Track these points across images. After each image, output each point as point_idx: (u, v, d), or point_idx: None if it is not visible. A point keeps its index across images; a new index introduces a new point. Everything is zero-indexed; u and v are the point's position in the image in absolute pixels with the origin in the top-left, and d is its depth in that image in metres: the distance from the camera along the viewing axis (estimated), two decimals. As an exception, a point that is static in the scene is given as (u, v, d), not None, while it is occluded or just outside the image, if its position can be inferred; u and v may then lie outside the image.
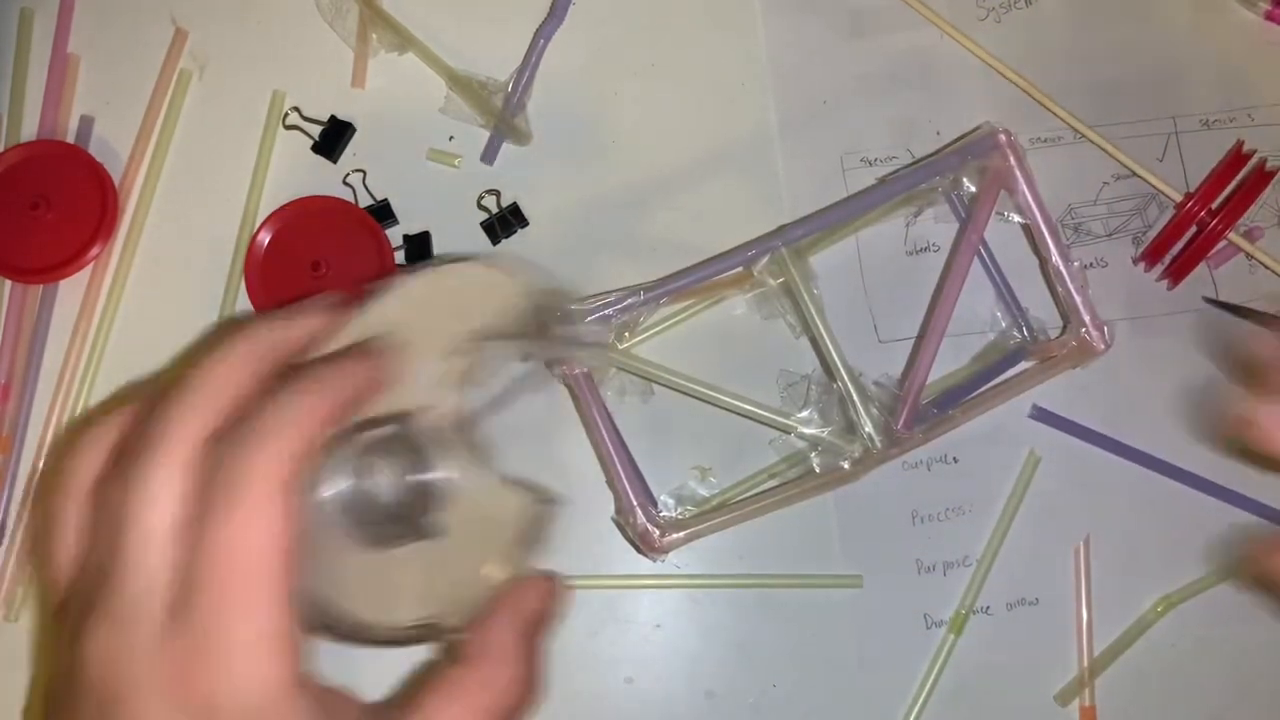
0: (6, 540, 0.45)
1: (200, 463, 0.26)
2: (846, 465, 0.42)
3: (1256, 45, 0.49)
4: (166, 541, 0.26)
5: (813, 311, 0.42)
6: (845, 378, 0.42)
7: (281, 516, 0.26)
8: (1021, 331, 0.46)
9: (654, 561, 0.43)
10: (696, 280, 0.43)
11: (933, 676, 0.44)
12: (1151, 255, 0.46)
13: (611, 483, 0.42)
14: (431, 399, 0.32)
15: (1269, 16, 0.49)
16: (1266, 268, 0.47)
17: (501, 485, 0.33)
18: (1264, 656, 0.45)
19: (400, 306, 0.32)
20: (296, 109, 0.48)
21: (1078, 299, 0.43)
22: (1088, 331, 0.43)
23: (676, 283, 0.43)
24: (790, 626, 0.45)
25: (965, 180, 0.44)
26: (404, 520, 0.32)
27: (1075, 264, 0.43)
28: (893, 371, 0.45)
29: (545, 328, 0.34)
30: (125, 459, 0.27)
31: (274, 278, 0.46)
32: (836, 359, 0.42)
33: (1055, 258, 0.43)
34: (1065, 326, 0.44)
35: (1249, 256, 0.47)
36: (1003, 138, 0.43)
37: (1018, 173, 0.43)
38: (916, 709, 0.44)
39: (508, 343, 0.34)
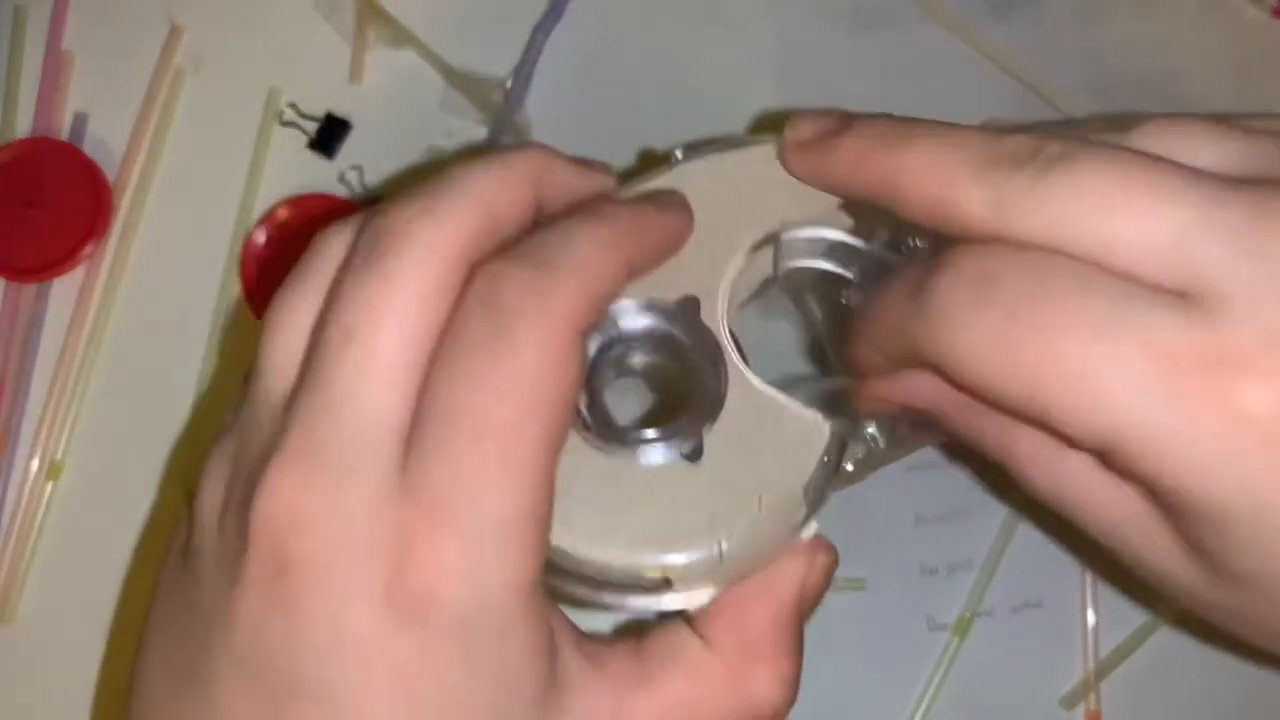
0: (1, 539, 0.45)
1: (457, 284, 0.21)
2: (850, 466, 0.41)
3: (1265, 42, 0.49)
4: (405, 371, 0.20)
5: (816, 312, 0.42)
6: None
7: (572, 367, 0.21)
8: None
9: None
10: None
11: (936, 680, 0.44)
12: (1158, 254, 0.46)
13: None
14: (711, 291, 0.27)
15: (1277, 13, 0.49)
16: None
17: (793, 404, 0.26)
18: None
19: (689, 188, 0.28)
20: (293, 105, 0.48)
21: None
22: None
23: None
24: (792, 629, 0.44)
25: None
26: (651, 431, 0.25)
27: None
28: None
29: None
30: (353, 266, 0.21)
31: (271, 275, 0.46)
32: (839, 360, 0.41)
33: None
34: None
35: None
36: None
37: None
38: (920, 713, 0.44)
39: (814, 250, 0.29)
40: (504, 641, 0.20)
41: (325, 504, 0.20)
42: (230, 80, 0.48)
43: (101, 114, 0.48)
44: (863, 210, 0.28)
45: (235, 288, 0.46)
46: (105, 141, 0.48)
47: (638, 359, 0.27)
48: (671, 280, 0.27)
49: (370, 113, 0.48)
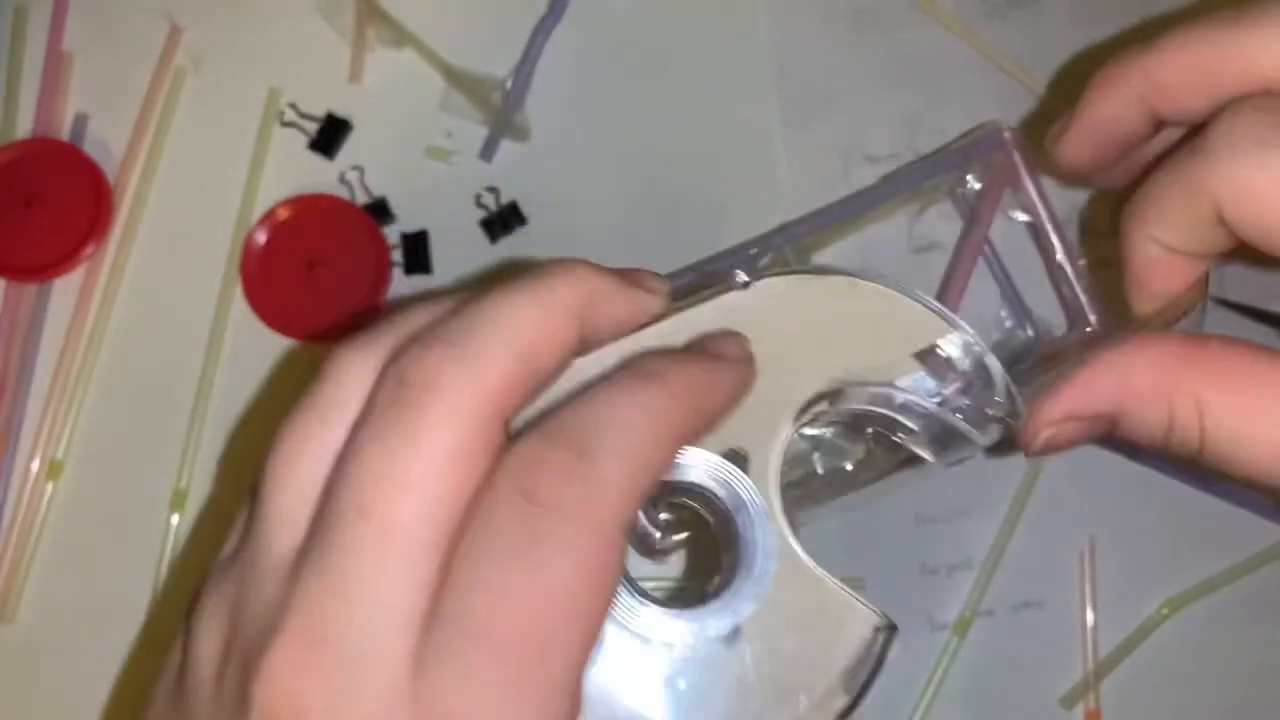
0: (2, 539, 0.45)
1: (491, 444, 0.19)
2: (849, 466, 0.41)
3: (1264, 41, 0.49)
4: (426, 553, 0.19)
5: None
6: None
7: (612, 575, 0.19)
8: (1026, 331, 0.45)
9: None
10: (696, 279, 0.42)
11: (936, 679, 0.44)
12: (1158, 254, 0.46)
13: None
14: (763, 447, 0.24)
15: (1276, 12, 0.49)
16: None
17: (840, 587, 0.24)
18: (1272, 658, 0.45)
19: (761, 316, 0.25)
20: (293, 106, 0.48)
21: (1083, 299, 0.42)
22: (1093, 331, 0.42)
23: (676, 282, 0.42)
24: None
25: (970, 178, 0.43)
26: (680, 608, 0.24)
27: (1081, 263, 0.42)
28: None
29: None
30: (371, 420, 0.19)
31: (270, 276, 0.46)
32: None
33: (1061, 256, 0.42)
34: (1071, 327, 0.44)
35: (1256, 255, 0.46)
36: (1007, 135, 0.43)
37: (1022, 170, 0.42)
38: (920, 712, 0.44)
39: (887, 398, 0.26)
40: None
41: (328, 703, 0.18)
42: (231, 80, 0.48)
43: (102, 114, 0.48)
44: (935, 360, 0.26)
45: (235, 288, 0.46)
46: (106, 142, 0.48)
47: (665, 515, 0.25)
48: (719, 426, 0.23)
49: (370, 113, 0.48)
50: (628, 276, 0.24)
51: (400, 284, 0.46)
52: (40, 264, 0.46)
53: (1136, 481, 0.45)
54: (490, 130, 0.47)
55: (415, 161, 0.47)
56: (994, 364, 0.26)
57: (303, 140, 0.48)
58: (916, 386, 0.26)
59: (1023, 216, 0.43)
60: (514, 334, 0.20)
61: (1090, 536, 0.45)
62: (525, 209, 0.47)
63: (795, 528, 0.24)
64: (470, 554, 0.18)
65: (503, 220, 0.47)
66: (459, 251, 0.47)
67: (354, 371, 0.21)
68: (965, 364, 0.26)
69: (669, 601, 0.23)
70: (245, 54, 0.48)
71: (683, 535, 0.25)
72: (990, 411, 0.26)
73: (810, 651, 0.23)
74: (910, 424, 0.27)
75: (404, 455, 0.19)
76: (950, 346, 0.26)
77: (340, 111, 0.48)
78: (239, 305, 0.46)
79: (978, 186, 0.43)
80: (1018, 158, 0.43)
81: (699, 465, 0.23)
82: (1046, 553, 0.45)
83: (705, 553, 0.25)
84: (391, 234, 0.47)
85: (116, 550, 0.45)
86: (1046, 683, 0.44)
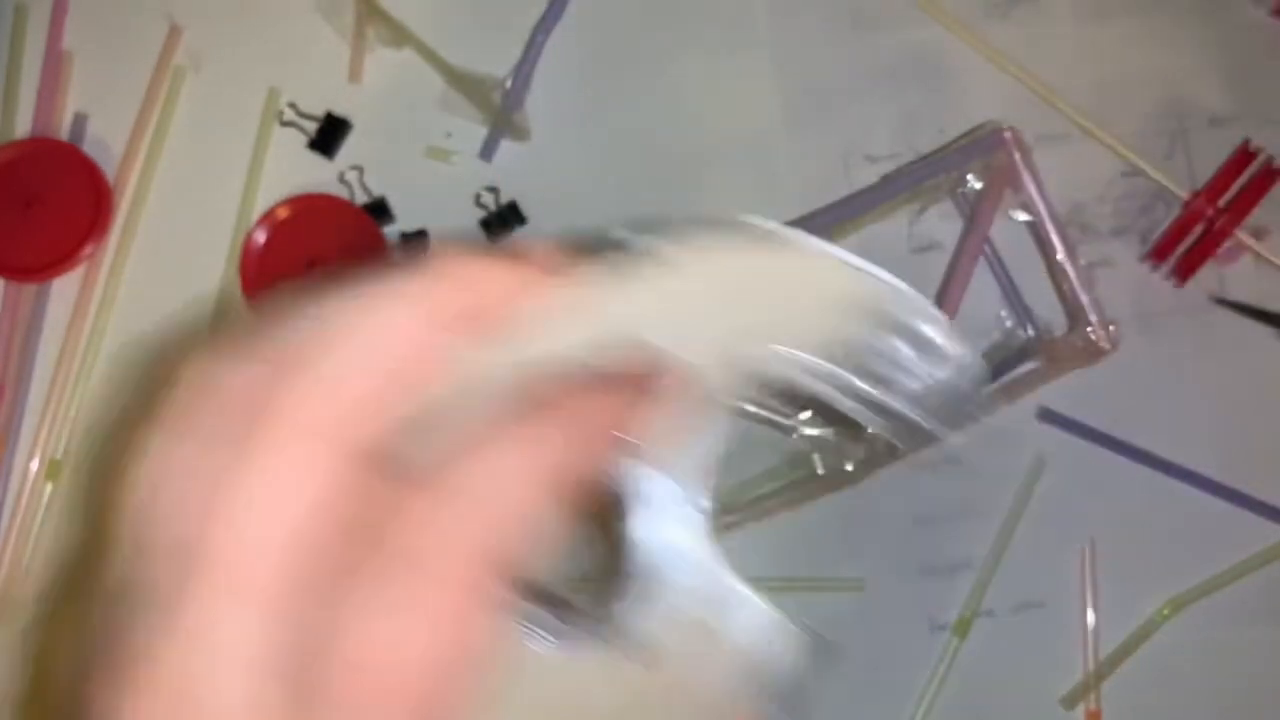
0: (1, 539, 0.45)
1: (356, 481, 0.17)
2: (850, 467, 0.41)
3: (1264, 42, 0.49)
4: (282, 599, 0.16)
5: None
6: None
7: (484, 621, 0.17)
8: (1027, 331, 0.45)
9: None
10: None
11: (937, 680, 0.44)
12: (1158, 253, 0.46)
13: None
14: (672, 439, 0.20)
15: (1277, 14, 0.49)
16: (1274, 265, 0.46)
17: (756, 596, 0.21)
18: (1272, 658, 0.45)
19: (669, 296, 0.20)
20: (293, 105, 0.48)
21: (1084, 298, 0.42)
22: (1094, 331, 0.42)
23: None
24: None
25: (970, 178, 0.43)
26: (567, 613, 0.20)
27: (1082, 262, 0.42)
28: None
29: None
30: (224, 446, 0.17)
31: (270, 276, 0.46)
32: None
33: (1061, 255, 0.42)
34: (1072, 326, 0.44)
35: (1256, 255, 0.46)
36: (1007, 135, 0.43)
37: (1022, 170, 0.42)
38: (921, 713, 0.44)
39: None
40: None
41: None
42: (230, 80, 0.48)
43: (101, 114, 0.48)
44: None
45: (235, 287, 0.46)
46: (105, 141, 0.48)
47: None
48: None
49: (370, 113, 0.48)
50: (511, 254, 0.20)
51: (400, 284, 0.46)
52: (39, 264, 0.46)
53: (1136, 481, 0.45)
54: (490, 130, 0.47)
55: (415, 161, 0.47)
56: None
57: (302, 140, 0.47)
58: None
59: (1023, 216, 0.43)
60: (382, 345, 0.17)
61: (1090, 536, 0.45)
62: (525, 208, 0.47)
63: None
64: (329, 605, 0.16)
65: (502, 220, 0.47)
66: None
67: (221, 383, 0.17)
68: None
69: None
70: (245, 54, 0.48)
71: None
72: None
73: (720, 666, 0.21)
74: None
75: (259, 493, 0.16)
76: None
77: (340, 111, 0.48)
78: (238, 304, 0.46)
79: (978, 186, 0.43)
80: (1017, 157, 0.43)
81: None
82: (1046, 553, 0.45)
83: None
84: (391, 234, 0.47)
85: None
86: (1047, 683, 0.44)
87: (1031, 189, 0.43)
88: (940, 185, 0.44)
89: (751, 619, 0.21)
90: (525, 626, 0.19)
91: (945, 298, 0.43)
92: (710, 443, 0.20)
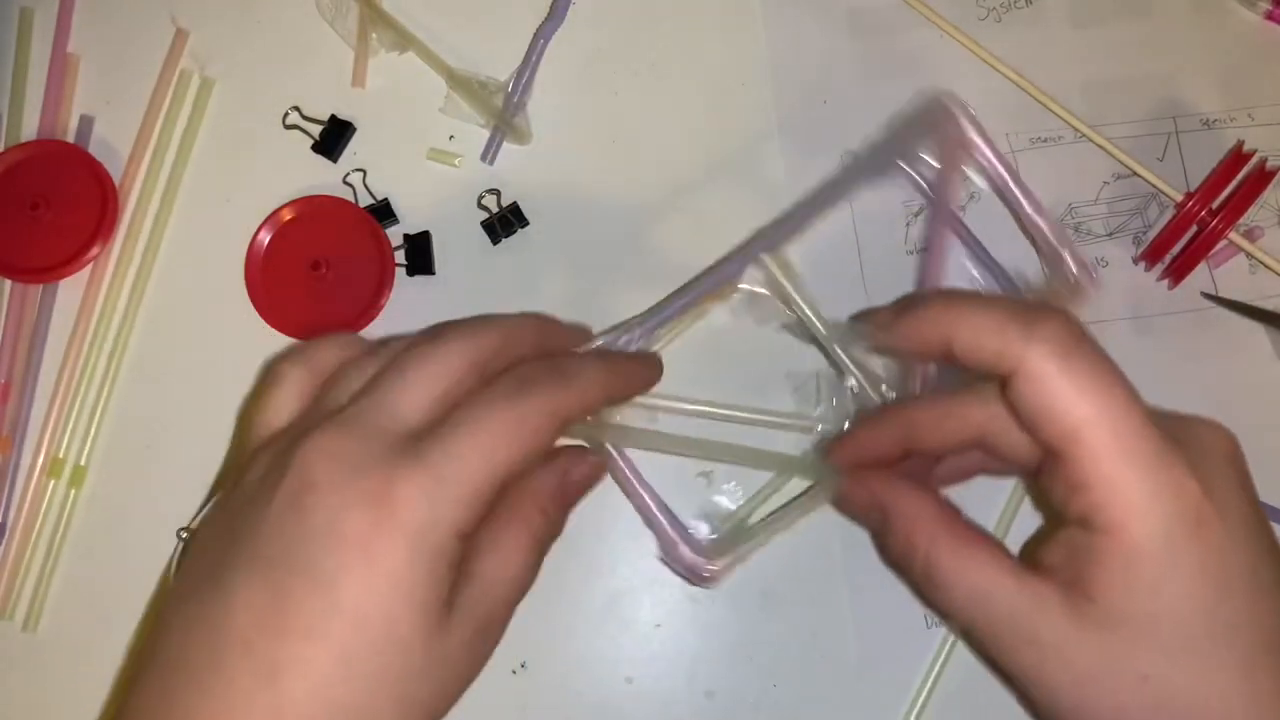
0: (5, 539, 0.45)
1: (469, 381, 0.32)
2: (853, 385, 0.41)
3: (1257, 45, 0.50)
4: (427, 397, 0.31)
5: (809, 314, 0.42)
6: (856, 373, 0.42)
7: (535, 434, 0.31)
8: (1005, 285, 0.46)
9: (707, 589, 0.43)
10: (688, 303, 0.43)
11: (933, 677, 0.44)
12: (1152, 255, 0.46)
13: (650, 524, 0.41)
14: None
15: (1269, 16, 0.49)
16: (1267, 267, 0.47)
17: None
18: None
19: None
20: (296, 108, 0.48)
21: (1054, 240, 0.42)
22: (1071, 271, 0.42)
23: (666, 310, 0.43)
24: (790, 626, 0.44)
25: (927, 158, 0.44)
26: None
27: (1049, 210, 0.43)
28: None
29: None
30: (416, 343, 0.33)
31: (274, 277, 0.46)
32: (845, 358, 0.42)
33: (1029, 209, 0.43)
34: (1052, 274, 0.44)
35: (1249, 256, 0.47)
36: (949, 104, 0.43)
37: (972, 134, 0.43)
38: (917, 709, 0.44)
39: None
40: (440, 556, 0.29)
41: (351, 449, 0.29)
42: (234, 83, 0.49)
43: (107, 116, 0.48)
44: None
45: (240, 288, 0.46)
46: (111, 144, 0.48)
47: None
48: None
49: (373, 115, 0.48)
50: (625, 364, 0.38)
51: (404, 285, 0.47)
52: (45, 265, 0.47)
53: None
54: (492, 133, 0.48)
55: (417, 163, 0.48)
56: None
57: (306, 142, 0.48)
58: None
59: (984, 184, 0.43)
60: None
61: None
62: (526, 210, 0.47)
63: None
64: (470, 403, 0.31)
65: (504, 222, 0.47)
66: (461, 252, 0.47)
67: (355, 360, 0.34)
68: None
69: None
70: (249, 57, 0.49)
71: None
72: None
73: None
74: None
75: (429, 357, 0.33)
76: None
77: (343, 114, 0.48)
78: (243, 305, 0.46)
79: (936, 165, 0.44)
80: (965, 124, 0.43)
81: None
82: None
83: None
84: (394, 235, 0.47)
85: (120, 548, 0.45)
86: None
87: (985, 149, 0.43)
88: (898, 162, 0.45)
89: None
90: None
91: (926, 278, 0.43)
92: None
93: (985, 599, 0.30)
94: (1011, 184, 0.43)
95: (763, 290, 0.43)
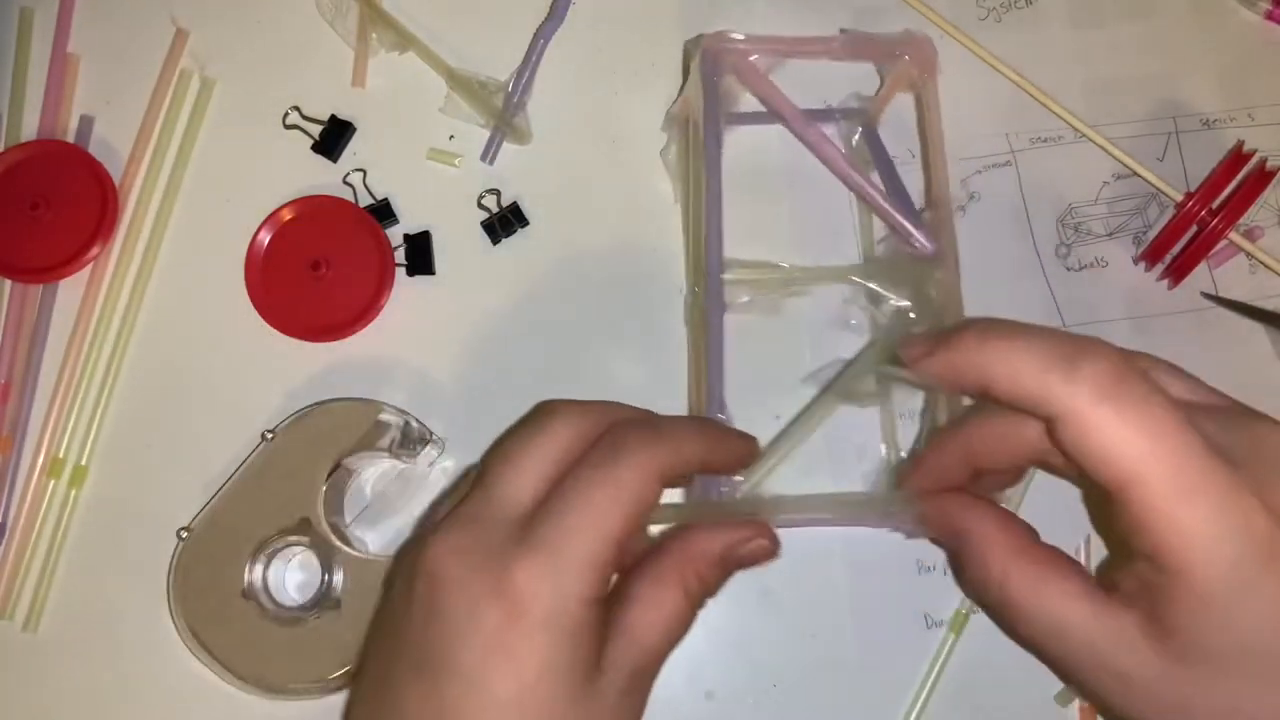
0: (5, 539, 0.45)
1: (583, 443, 0.33)
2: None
3: (1257, 45, 0.50)
4: (536, 478, 0.32)
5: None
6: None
7: (635, 497, 0.31)
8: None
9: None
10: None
11: (933, 677, 0.44)
12: (1152, 255, 0.46)
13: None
14: (318, 508, 0.41)
15: (1269, 16, 0.49)
16: (1267, 267, 0.47)
17: (373, 560, 0.42)
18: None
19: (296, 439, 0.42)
20: (296, 108, 0.48)
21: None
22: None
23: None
24: (790, 626, 0.44)
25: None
26: (312, 599, 0.42)
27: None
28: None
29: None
30: (589, 462, 0.32)
31: (274, 276, 0.46)
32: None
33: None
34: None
35: (1249, 256, 0.47)
36: (924, 41, 0.42)
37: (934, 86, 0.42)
38: (916, 709, 0.44)
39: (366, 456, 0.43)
40: (576, 629, 0.30)
41: (468, 544, 0.31)
42: (235, 83, 0.49)
43: (107, 116, 0.48)
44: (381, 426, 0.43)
45: (240, 288, 0.46)
46: (111, 144, 0.48)
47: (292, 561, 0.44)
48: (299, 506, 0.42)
49: (373, 115, 0.48)
50: (737, 434, 0.36)
51: (404, 285, 0.47)
52: (46, 265, 0.47)
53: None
54: (492, 133, 0.48)
55: (417, 163, 0.48)
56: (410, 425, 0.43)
57: (306, 142, 0.48)
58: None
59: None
60: (675, 442, 0.33)
61: (1087, 533, 0.45)
62: (526, 210, 0.47)
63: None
64: (567, 484, 0.32)
65: (504, 221, 0.47)
66: (461, 252, 0.47)
67: (564, 424, 0.34)
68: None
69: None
70: (249, 57, 0.49)
71: None
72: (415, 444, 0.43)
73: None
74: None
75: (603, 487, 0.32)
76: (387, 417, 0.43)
77: (343, 114, 0.48)
78: (243, 305, 0.46)
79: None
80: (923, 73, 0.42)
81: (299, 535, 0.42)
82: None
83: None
84: (394, 235, 0.47)
85: (121, 549, 0.45)
86: (1042, 680, 0.44)
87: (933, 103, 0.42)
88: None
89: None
90: None
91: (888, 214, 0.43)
92: None
93: (1063, 630, 0.29)
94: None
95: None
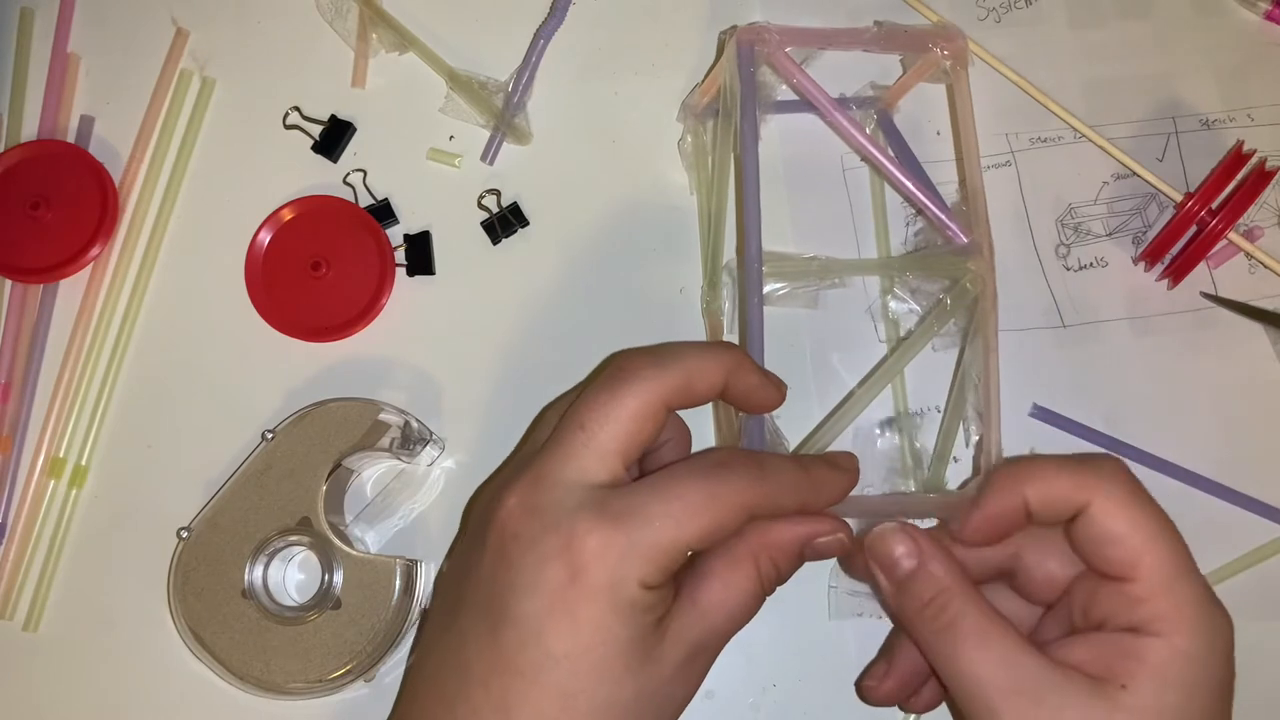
0: (6, 539, 0.45)
1: (661, 416, 0.34)
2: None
3: (1256, 45, 0.50)
4: (615, 455, 0.33)
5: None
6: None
7: (722, 518, 0.32)
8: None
9: None
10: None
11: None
12: (1152, 255, 0.46)
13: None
14: (318, 508, 0.42)
15: (1269, 17, 0.49)
16: (1266, 267, 0.47)
17: (374, 560, 0.42)
18: (1265, 655, 0.45)
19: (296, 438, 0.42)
20: (297, 108, 0.48)
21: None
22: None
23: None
24: (790, 626, 0.44)
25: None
26: (313, 598, 0.42)
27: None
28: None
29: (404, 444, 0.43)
30: (595, 384, 0.34)
31: (274, 277, 0.46)
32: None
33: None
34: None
35: (1249, 256, 0.47)
36: (956, 33, 0.41)
37: (966, 77, 0.42)
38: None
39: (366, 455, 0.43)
40: (634, 604, 0.31)
41: (544, 503, 0.32)
42: (235, 83, 0.49)
43: (107, 116, 0.48)
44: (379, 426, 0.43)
45: (240, 288, 0.46)
46: (111, 144, 0.48)
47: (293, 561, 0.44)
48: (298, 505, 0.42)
49: (373, 116, 0.48)
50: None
51: (403, 285, 0.47)
52: (46, 265, 0.47)
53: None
54: (492, 133, 0.48)
55: (418, 163, 0.48)
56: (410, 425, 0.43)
57: (306, 142, 0.48)
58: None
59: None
60: (686, 363, 0.34)
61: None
62: (526, 210, 0.47)
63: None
64: (676, 469, 0.33)
65: (504, 221, 0.47)
66: (461, 252, 0.47)
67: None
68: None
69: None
70: (249, 57, 0.49)
71: None
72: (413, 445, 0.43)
73: (373, 589, 0.42)
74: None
75: (610, 402, 0.33)
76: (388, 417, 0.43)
77: (344, 114, 0.48)
78: (243, 305, 0.46)
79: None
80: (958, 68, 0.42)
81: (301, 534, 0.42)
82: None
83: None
84: (394, 235, 0.47)
85: (121, 549, 0.45)
86: None
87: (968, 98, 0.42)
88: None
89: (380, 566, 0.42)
90: None
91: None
92: None
93: (1014, 665, 0.32)
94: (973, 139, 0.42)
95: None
